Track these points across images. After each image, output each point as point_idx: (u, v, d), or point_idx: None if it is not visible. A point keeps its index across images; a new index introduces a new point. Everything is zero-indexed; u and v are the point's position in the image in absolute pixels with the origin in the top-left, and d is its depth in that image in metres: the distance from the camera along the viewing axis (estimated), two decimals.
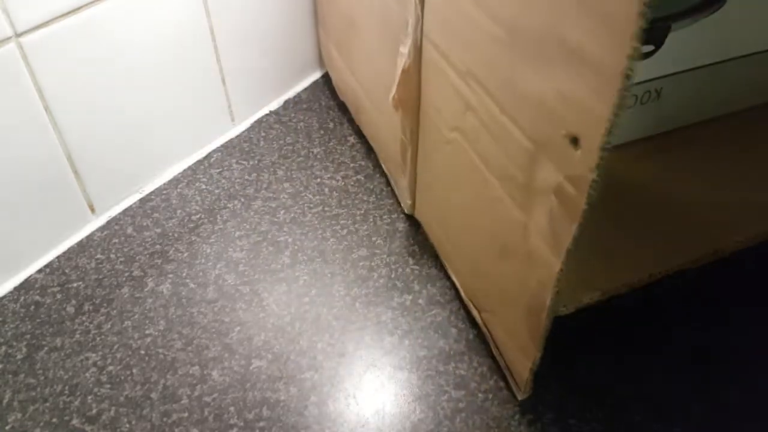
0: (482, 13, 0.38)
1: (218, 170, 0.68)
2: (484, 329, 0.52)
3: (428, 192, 0.57)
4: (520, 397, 0.49)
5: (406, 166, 0.57)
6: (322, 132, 0.73)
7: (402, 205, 0.63)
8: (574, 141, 0.33)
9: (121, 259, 0.60)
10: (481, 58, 0.40)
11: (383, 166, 0.67)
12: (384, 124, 0.60)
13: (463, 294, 0.54)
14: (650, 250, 0.49)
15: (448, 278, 0.57)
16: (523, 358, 0.46)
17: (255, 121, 0.74)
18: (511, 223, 0.42)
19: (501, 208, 0.43)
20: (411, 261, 0.59)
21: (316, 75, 0.80)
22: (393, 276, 0.58)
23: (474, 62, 0.42)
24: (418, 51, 0.48)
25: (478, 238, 0.48)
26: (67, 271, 0.59)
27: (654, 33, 0.46)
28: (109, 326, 0.54)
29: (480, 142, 0.44)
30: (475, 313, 0.53)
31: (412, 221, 0.63)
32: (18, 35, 0.49)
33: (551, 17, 0.32)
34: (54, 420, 0.48)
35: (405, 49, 0.49)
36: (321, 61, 0.79)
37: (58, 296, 0.57)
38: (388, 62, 0.53)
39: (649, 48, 0.47)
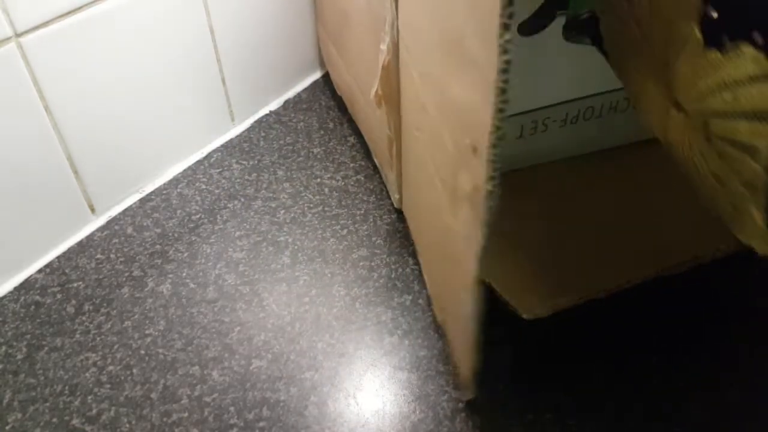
0: (423, 13, 0.38)
1: (218, 170, 0.68)
2: (442, 327, 0.52)
3: (409, 188, 0.58)
4: (464, 398, 0.48)
5: (393, 160, 0.58)
6: (322, 132, 0.73)
7: (391, 198, 0.64)
8: (474, 150, 0.33)
9: (121, 259, 0.60)
10: (426, 60, 0.41)
11: (375, 160, 0.67)
12: (374, 119, 0.61)
13: (429, 292, 0.55)
14: (630, 254, 0.49)
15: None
16: (465, 359, 0.45)
17: (255, 121, 0.74)
18: (446, 227, 0.42)
19: (442, 212, 0.43)
20: (411, 261, 0.59)
21: (317, 75, 0.80)
22: (393, 276, 0.58)
23: (423, 64, 0.42)
24: (396, 48, 0.49)
25: (433, 238, 0.49)
26: (67, 271, 0.59)
27: (586, 27, 0.45)
28: (109, 326, 0.54)
29: (431, 145, 0.44)
30: (437, 311, 0.53)
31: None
32: (18, 35, 0.49)
33: (459, 21, 0.32)
34: (54, 420, 0.48)
35: (384, 46, 0.49)
36: (321, 61, 0.80)
37: (58, 296, 0.57)
38: (374, 58, 0.53)
39: (587, 41, 0.45)
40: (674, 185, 0.54)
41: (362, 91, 0.63)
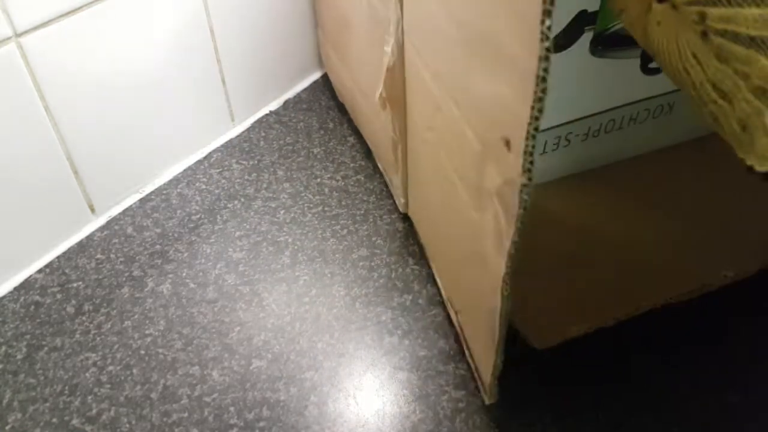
0: (444, 14, 0.38)
1: (218, 170, 0.68)
2: (458, 330, 0.52)
3: (416, 190, 0.57)
4: (487, 401, 0.48)
5: (398, 164, 0.58)
6: (322, 132, 0.73)
7: (396, 203, 0.63)
8: (507, 143, 0.32)
9: (121, 259, 0.60)
10: (443, 58, 0.40)
11: (379, 164, 0.67)
12: (378, 123, 0.61)
13: (443, 293, 0.55)
14: (637, 284, 0.48)
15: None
16: (488, 362, 0.45)
17: (255, 121, 0.74)
18: (470, 225, 0.42)
19: (463, 209, 0.42)
20: (411, 261, 0.59)
21: (316, 75, 0.80)
22: (393, 276, 0.58)
23: (439, 62, 0.41)
24: (401, 50, 0.49)
25: (451, 238, 0.48)
26: (67, 271, 0.59)
27: None
28: (109, 326, 0.54)
29: (446, 143, 0.44)
30: (452, 314, 0.53)
31: (412, 222, 0.63)
32: (18, 35, 0.49)
33: (490, 19, 0.32)
34: (54, 420, 0.48)
35: (389, 48, 0.49)
36: (321, 62, 0.80)
37: (58, 296, 0.57)
38: (378, 61, 0.53)
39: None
40: (690, 195, 0.53)
41: (364, 94, 0.63)
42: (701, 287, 0.50)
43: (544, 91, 0.27)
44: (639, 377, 0.50)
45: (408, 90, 0.51)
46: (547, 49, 0.26)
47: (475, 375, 0.49)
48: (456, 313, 0.52)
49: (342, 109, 0.75)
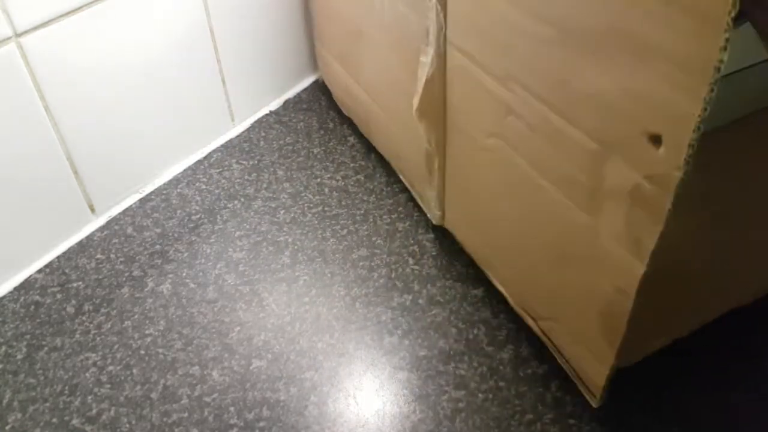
0: (525, 16, 0.37)
1: (218, 170, 0.68)
2: (543, 338, 0.50)
3: (461, 201, 0.55)
4: (594, 405, 0.47)
5: (433, 176, 0.56)
6: (322, 132, 0.73)
7: (429, 216, 0.61)
8: (655, 139, 0.31)
9: (121, 259, 0.60)
10: (524, 59, 0.39)
11: (403, 179, 0.65)
12: (403, 136, 0.59)
13: (512, 303, 0.53)
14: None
15: (450, 279, 0.57)
16: (597, 364, 0.44)
17: (255, 121, 0.74)
18: (574, 228, 0.40)
19: (560, 213, 0.41)
20: (411, 261, 0.59)
21: (316, 75, 0.80)
22: (393, 276, 0.58)
23: (515, 65, 0.40)
24: (441, 59, 0.47)
25: (532, 244, 0.46)
26: (67, 271, 0.59)
27: None
28: (109, 326, 0.54)
29: (528, 147, 0.42)
30: (530, 322, 0.51)
31: (412, 222, 0.63)
32: (18, 35, 0.49)
33: (613, 10, 0.31)
34: (54, 420, 0.48)
35: (427, 59, 0.48)
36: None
37: (58, 296, 0.57)
38: (403, 73, 0.52)
39: None
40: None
41: (383, 108, 0.61)
42: (754, 294, 0.49)
43: (716, 82, 0.27)
44: (639, 378, 0.50)
45: (452, 100, 0.49)
46: (727, 40, 0.26)
47: (575, 379, 0.48)
48: (536, 320, 0.50)
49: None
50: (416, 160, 0.57)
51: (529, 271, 0.48)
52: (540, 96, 0.39)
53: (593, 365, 0.44)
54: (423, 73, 0.49)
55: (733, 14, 0.25)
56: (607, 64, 0.32)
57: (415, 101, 0.50)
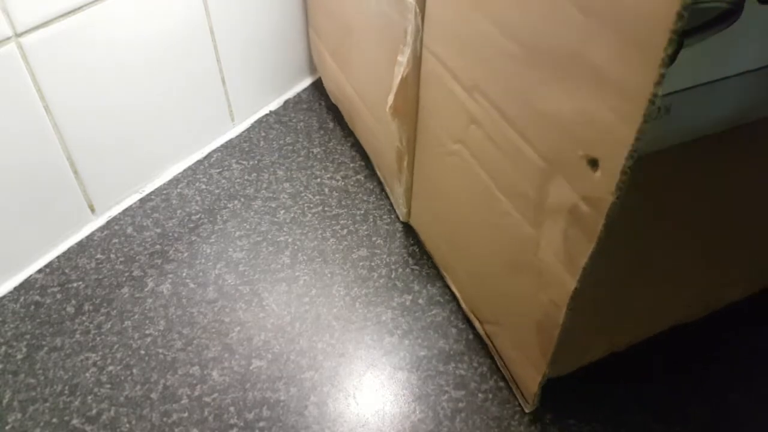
0: (496, 29, 0.37)
1: (218, 170, 0.68)
2: (486, 340, 0.51)
3: (426, 201, 0.56)
4: (527, 410, 0.48)
5: (402, 174, 0.57)
6: (322, 132, 0.73)
7: (397, 212, 0.63)
8: (593, 162, 0.32)
9: (121, 259, 0.60)
10: (491, 73, 0.40)
11: (378, 172, 0.67)
12: (381, 132, 0.60)
13: (463, 305, 0.54)
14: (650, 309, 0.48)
15: (448, 285, 0.57)
16: (532, 371, 0.45)
17: (255, 121, 0.74)
18: (521, 240, 0.41)
19: (510, 224, 0.42)
20: (411, 261, 0.59)
21: (316, 75, 0.80)
22: (393, 276, 0.58)
23: (482, 77, 0.41)
24: (417, 60, 0.48)
25: (484, 251, 0.47)
26: (67, 271, 0.59)
27: None
28: (109, 326, 0.54)
29: (487, 157, 0.43)
30: (477, 324, 0.52)
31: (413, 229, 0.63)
32: (18, 35, 0.49)
33: (575, 36, 0.31)
34: (54, 420, 0.48)
35: (403, 58, 0.48)
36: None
37: (58, 296, 0.57)
38: (386, 70, 0.52)
39: None
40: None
41: (366, 103, 0.62)
42: (705, 309, 0.50)
43: (649, 114, 0.28)
44: (639, 378, 0.50)
45: (425, 101, 0.50)
46: (662, 75, 0.26)
47: (512, 383, 0.49)
48: (483, 323, 0.51)
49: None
50: (390, 156, 0.58)
51: (481, 275, 0.50)
52: (501, 110, 0.39)
53: (529, 372, 0.46)
54: (398, 72, 0.49)
55: (669, 51, 0.25)
56: (565, 87, 0.33)
57: (390, 99, 0.51)
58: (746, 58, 0.50)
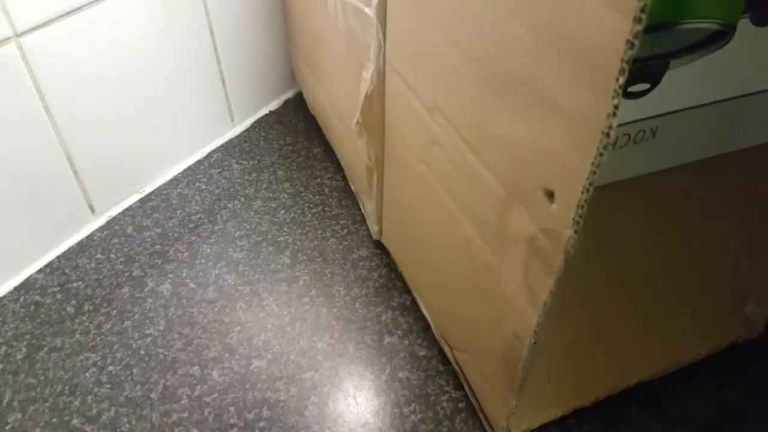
0: (454, 48, 0.36)
1: (218, 170, 0.68)
2: (456, 367, 0.50)
3: (396, 221, 0.54)
4: None
5: (372, 190, 0.55)
6: (322, 132, 0.73)
7: (369, 229, 0.61)
8: (550, 195, 0.30)
9: (121, 259, 0.60)
10: (450, 93, 0.38)
11: (351, 186, 0.65)
12: (351, 145, 0.58)
13: (434, 329, 0.52)
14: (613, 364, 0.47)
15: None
16: (499, 403, 0.43)
17: (255, 121, 0.74)
18: (485, 267, 0.39)
19: (473, 251, 0.40)
20: None
21: None
22: (393, 276, 0.58)
23: (441, 97, 0.39)
24: (381, 77, 0.46)
25: (451, 276, 0.46)
26: (67, 271, 0.59)
27: (650, 71, 0.44)
28: (109, 326, 0.54)
29: (450, 180, 0.41)
30: (446, 349, 0.51)
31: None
32: (18, 35, 0.49)
33: (527, 60, 0.30)
34: (54, 420, 0.48)
35: (367, 75, 0.46)
36: None
37: (58, 296, 0.57)
38: (353, 84, 0.50)
39: (645, 86, 0.43)
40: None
41: (338, 116, 0.61)
42: (677, 364, 0.49)
43: (606, 147, 0.26)
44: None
45: (390, 119, 0.48)
46: (616, 106, 0.25)
47: (478, 411, 0.48)
48: (452, 348, 0.50)
49: None
50: (360, 170, 0.56)
51: (449, 301, 0.48)
52: (460, 133, 0.38)
53: (496, 404, 0.44)
54: (363, 89, 0.48)
55: (621, 81, 0.24)
56: (520, 113, 0.31)
57: (356, 116, 0.49)
58: (739, 81, 0.47)
